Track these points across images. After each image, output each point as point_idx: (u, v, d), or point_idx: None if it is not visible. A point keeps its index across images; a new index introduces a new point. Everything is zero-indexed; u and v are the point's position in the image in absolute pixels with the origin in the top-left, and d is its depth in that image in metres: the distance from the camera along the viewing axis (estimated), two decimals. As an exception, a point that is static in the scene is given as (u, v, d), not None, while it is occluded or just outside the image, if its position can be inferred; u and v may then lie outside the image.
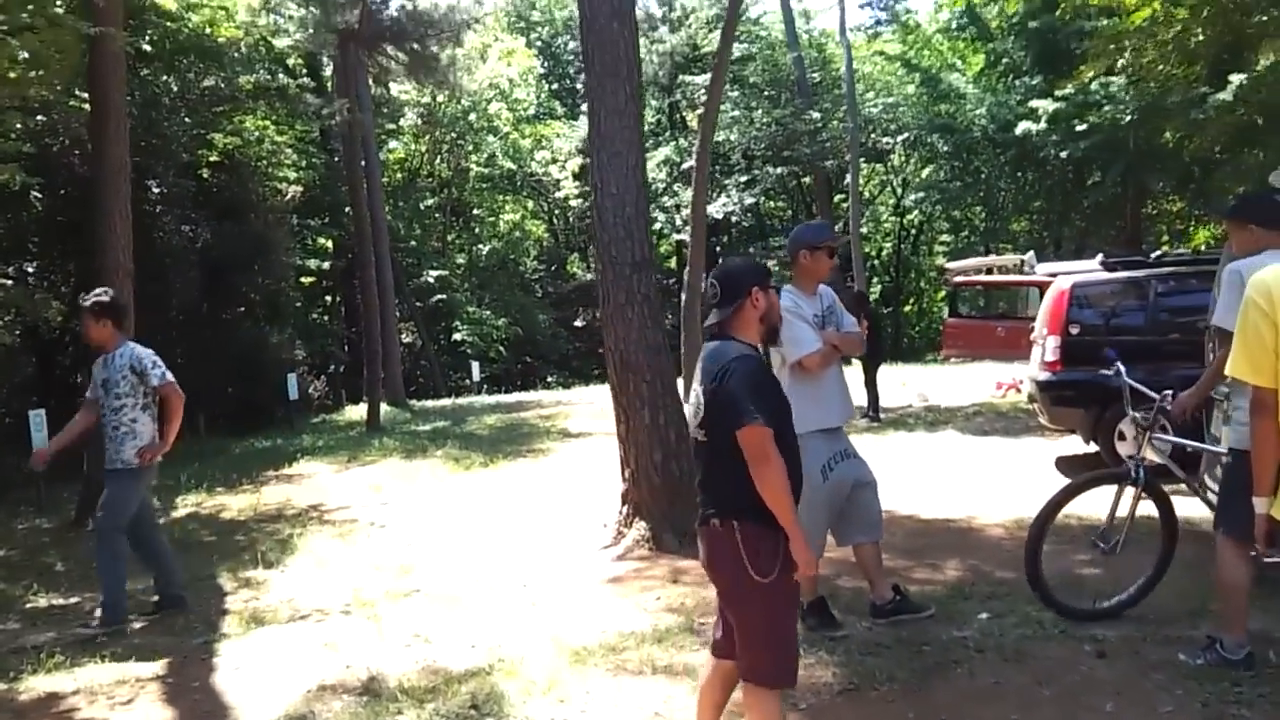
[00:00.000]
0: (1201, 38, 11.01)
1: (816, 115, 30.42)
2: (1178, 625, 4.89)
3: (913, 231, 38.58)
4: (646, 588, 6.12)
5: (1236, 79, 18.22)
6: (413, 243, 28.54)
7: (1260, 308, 2.87)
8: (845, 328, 5.19)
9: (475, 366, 23.91)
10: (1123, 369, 5.24)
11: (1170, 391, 4.86)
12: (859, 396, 14.23)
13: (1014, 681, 4.38)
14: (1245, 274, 4.08)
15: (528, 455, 12.11)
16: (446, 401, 21.56)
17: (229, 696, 4.92)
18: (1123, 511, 5.06)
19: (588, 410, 17.02)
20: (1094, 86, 23.01)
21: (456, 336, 28.29)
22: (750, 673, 3.37)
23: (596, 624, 5.46)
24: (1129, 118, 20.52)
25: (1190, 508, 5.53)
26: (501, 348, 29.08)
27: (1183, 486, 5.29)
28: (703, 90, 28.22)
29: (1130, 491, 4.98)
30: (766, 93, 31.63)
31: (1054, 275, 15.59)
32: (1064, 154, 25.09)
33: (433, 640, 5.43)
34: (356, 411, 19.72)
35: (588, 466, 11.02)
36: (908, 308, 39.51)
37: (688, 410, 3.48)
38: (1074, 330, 8.93)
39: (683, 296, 15.77)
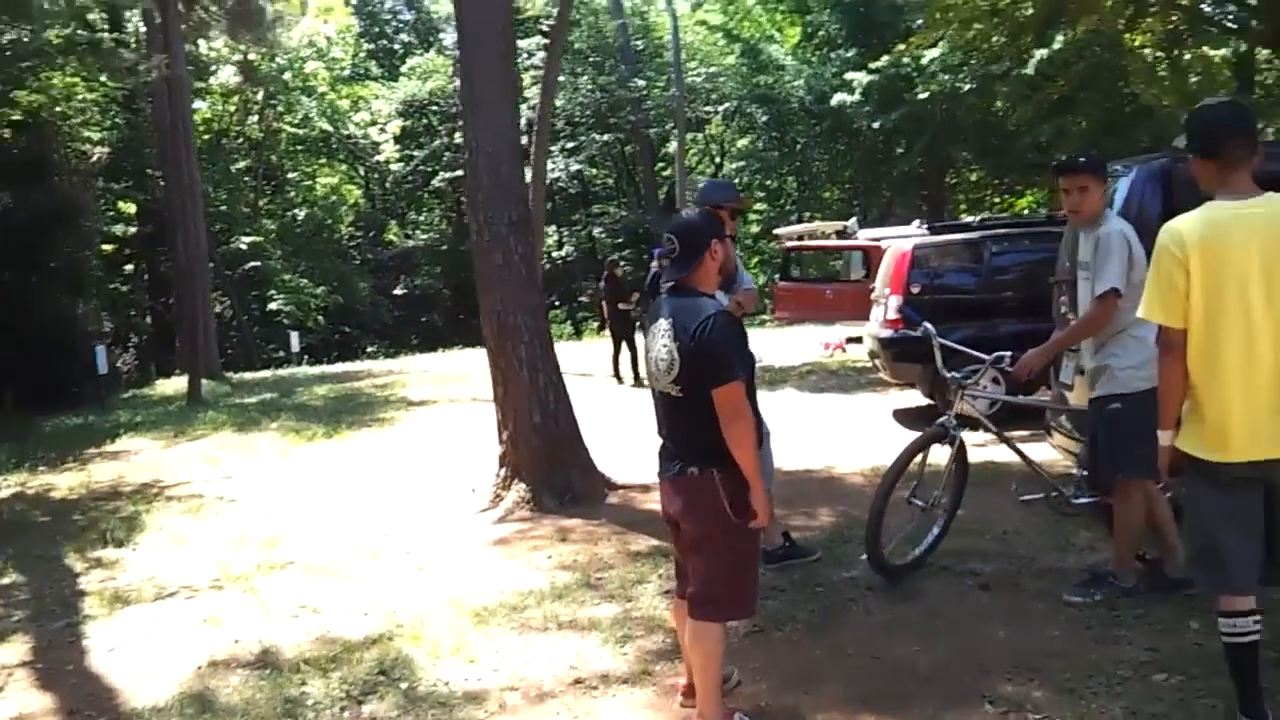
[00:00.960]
0: (1031, 11, 11.67)
1: (641, 83, 30.61)
2: (1046, 558, 5.28)
3: (730, 200, 39.36)
4: (536, 547, 6.12)
5: (1039, 53, 19.51)
6: (222, 207, 27.11)
7: (1174, 254, 3.10)
8: (744, 285, 5.30)
9: (294, 337, 23.03)
10: (931, 329, 5.37)
11: (1006, 353, 5.03)
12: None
13: (909, 616, 4.63)
14: (1129, 234, 4.42)
15: (372, 425, 11.81)
16: (265, 373, 20.70)
17: (111, 678, 4.65)
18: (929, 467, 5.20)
19: (424, 378, 16.73)
20: (905, 60, 24.13)
21: (272, 306, 27.14)
22: (707, 608, 3.47)
23: (491, 585, 5.43)
24: (968, 86, 21.50)
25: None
26: (320, 317, 28.10)
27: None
28: (527, 54, 28.00)
29: (945, 448, 5.11)
30: (591, 59, 31.58)
31: (876, 240, 16.44)
32: (876, 125, 26.21)
33: (322, 610, 5.28)
34: (170, 385, 18.78)
35: (439, 433, 10.88)
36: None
37: (653, 365, 3.47)
38: (915, 289, 9.40)
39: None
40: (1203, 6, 12.33)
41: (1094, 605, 4.46)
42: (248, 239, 26.69)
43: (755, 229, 40.18)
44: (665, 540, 5.95)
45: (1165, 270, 3.12)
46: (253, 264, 27.00)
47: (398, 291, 33.49)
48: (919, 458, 5.08)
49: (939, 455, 5.20)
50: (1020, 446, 5.25)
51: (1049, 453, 6.23)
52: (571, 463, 7.06)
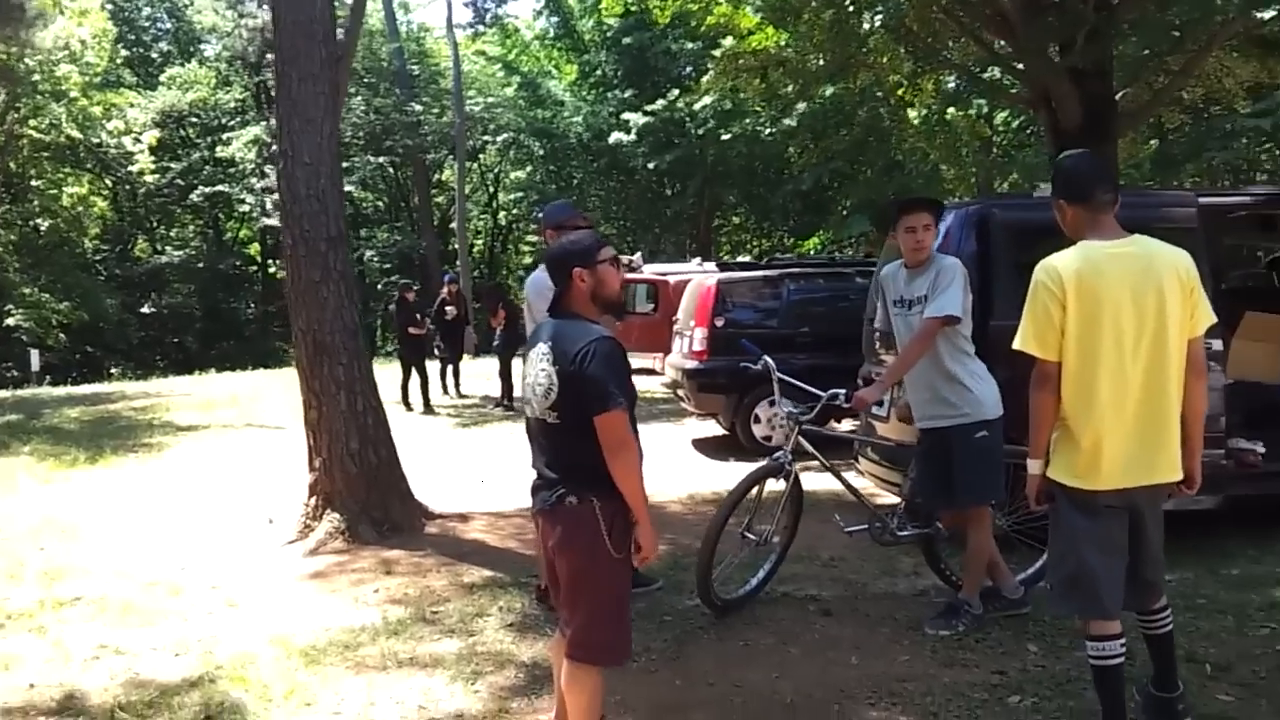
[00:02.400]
0: (822, 61, 12.25)
1: (418, 108, 30.11)
2: (877, 584, 5.49)
3: (504, 230, 39.32)
4: (359, 580, 5.78)
5: (801, 107, 20.61)
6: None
7: (1051, 290, 3.29)
8: None
9: (34, 355, 21.03)
10: (771, 363, 5.41)
11: (840, 391, 5.13)
12: (494, 387, 14.42)
13: (761, 643, 4.68)
14: (957, 267, 4.67)
15: (139, 451, 10.89)
16: (3, 394, 18.77)
17: (-121, 737, 4.02)
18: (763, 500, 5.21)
19: (187, 402, 15.65)
20: (679, 105, 24.98)
21: (10, 321, 24.65)
22: (589, 651, 3.29)
23: (316, 622, 5.08)
24: (732, 134, 22.40)
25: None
26: (61, 335, 25.77)
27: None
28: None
29: (773, 483, 5.15)
30: (366, 79, 30.78)
31: (663, 275, 16.84)
32: (651, 165, 26.90)
33: (125, 650, 4.77)
34: (-115, 405, 16.68)
35: (217, 461, 10.18)
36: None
37: (529, 391, 3.32)
38: (719, 323, 9.65)
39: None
40: (973, 68, 13.32)
41: (958, 636, 4.63)
42: (-17, 250, 24.15)
43: (529, 260, 40.34)
44: (499, 571, 5.84)
45: (1042, 305, 3.30)
46: (-11, 276, 24.43)
47: (145, 310, 31.26)
48: (753, 491, 5.12)
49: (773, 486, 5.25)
50: (845, 477, 5.44)
51: (865, 482, 6.48)
52: (390, 491, 6.74)
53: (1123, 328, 3.21)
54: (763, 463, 5.15)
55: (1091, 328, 3.24)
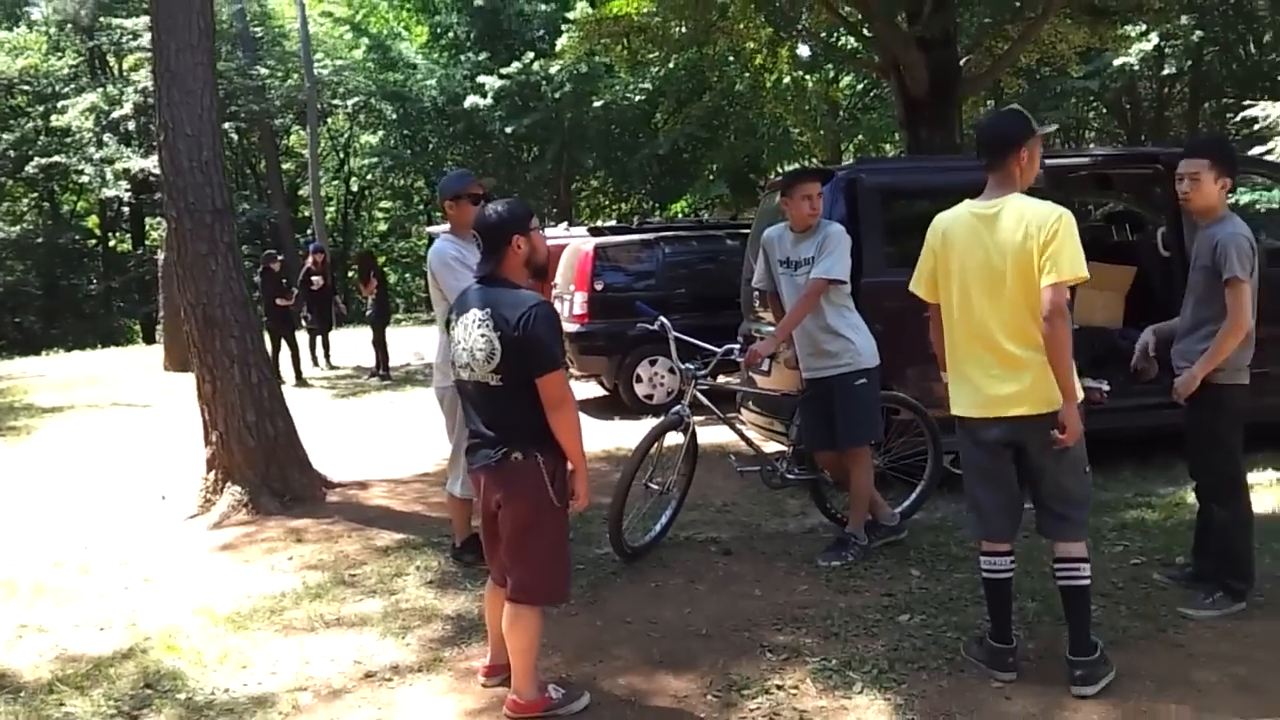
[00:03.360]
0: (684, 29, 12.55)
1: (264, 71, 29.13)
2: (769, 524, 5.92)
3: (357, 197, 38.50)
4: (271, 549, 5.87)
5: (658, 71, 20.98)
6: None
7: (929, 241, 3.80)
8: None
9: None
10: (668, 323, 5.72)
11: (734, 346, 5.64)
12: (368, 357, 14.35)
13: (670, 584, 5.02)
14: (843, 234, 5.09)
15: (6, 434, 10.51)
16: None
17: None
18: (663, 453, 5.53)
19: (44, 383, 15.08)
20: (535, 68, 25.00)
21: None
22: (528, 593, 3.58)
23: (236, 591, 5.18)
24: (599, 103, 22.59)
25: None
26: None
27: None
28: (130, 34, 25.78)
29: (676, 436, 5.50)
30: (207, 42, 29.50)
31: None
32: (508, 130, 26.79)
33: (48, 628, 4.78)
34: None
35: (90, 441, 9.95)
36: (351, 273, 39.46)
37: (464, 356, 3.52)
38: (599, 286, 9.92)
39: (159, 256, 14.52)
40: (826, 36, 13.87)
41: (848, 565, 5.07)
42: None
43: (383, 227, 39.66)
44: (409, 533, 6.02)
45: (924, 254, 3.82)
46: None
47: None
48: (655, 445, 5.44)
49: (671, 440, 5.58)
50: (739, 428, 5.83)
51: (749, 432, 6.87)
52: (289, 462, 6.80)
53: (966, 277, 3.64)
54: (663, 419, 5.48)
55: (949, 276, 3.70)
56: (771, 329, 5.80)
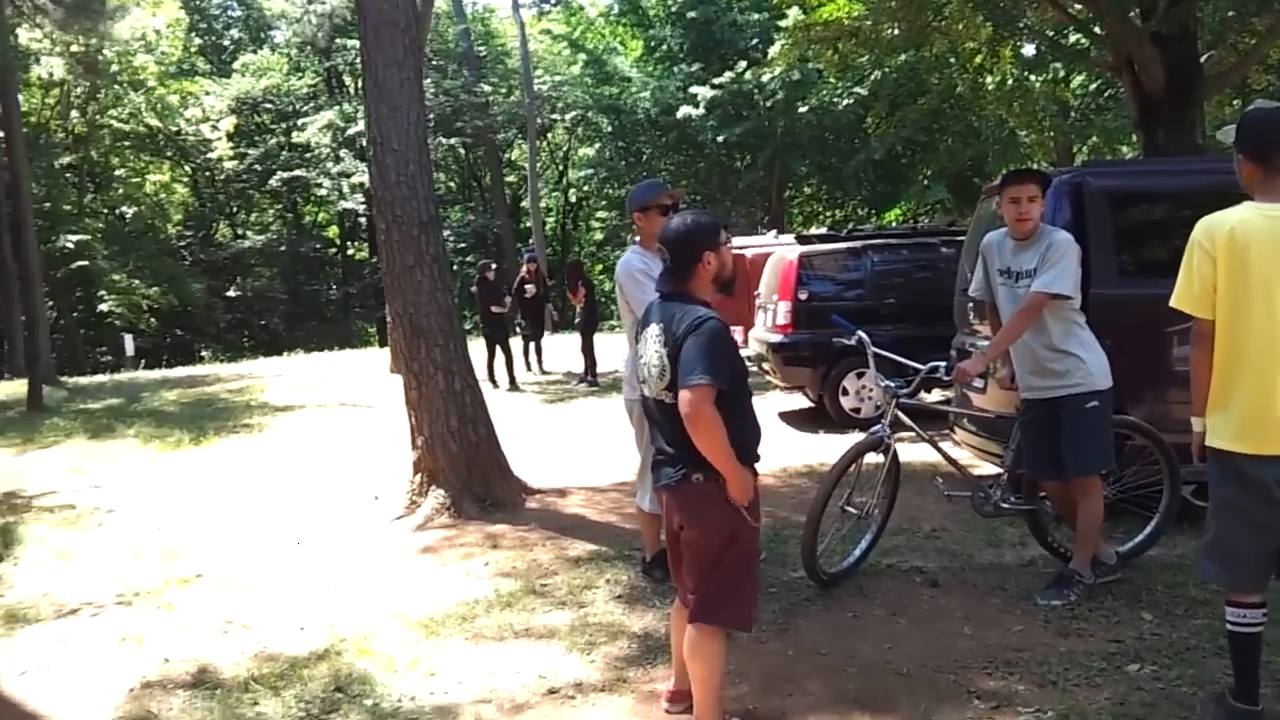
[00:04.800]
0: (896, 31, 12.13)
1: (487, 89, 30.28)
2: (983, 555, 5.49)
3: (574, 207, 39.47)
4: (468, 554, 5.94)
5: (874, 75, 20.39)
6: (46, 205, 25.21)
7: (1203, 247, 3.26)
8: None
9: (128, 340, 21.71)
10: (866, 338, 5.37)
11: (940, 363, 5.16)
12: (578, 363, 14.57)
13: (870, 615, 4.71)
14: (1070, 243, 4.64)
15: (240, 431, 11.24)
16: (101, 378, 19.43)
17: (32, 703, 4.25)
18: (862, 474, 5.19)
19: (281, 383, 16.08)
20: (747, 77, 24.85)
21: (103, 308, 25.45)
22: (714, 615, 3.40)
23: (431, 595, 5.24)
24: (805, 109, 22.25)
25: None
26: (153, 319, 26.54)
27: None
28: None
29: (876, 456, 5.11)
30: (434, 63, 31.05)
31: (740, 249, 16.74)
32: (720, 139, 26.76)
33: (252, 626, 4.97)
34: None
35: (315, 439, 10.47)
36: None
37: (644, 371, 3.39)
38: (803, 296, 9.64)
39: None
40: (1051, 34, 13.07)
41: (1070, 606, 4.63)
42: (74, 237, 24.90)
43: (599, 237, 40.47)
44: (602, 544, 5.95)
45: (1196, 263, 3.26)
46: (79, 263, 25.22)
47: (231, 294, 32.05)
48: (854, 466, 5.11)
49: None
50: (949, 452, 5.45)
51: (961, 453, 6.46)
52: (490, 468, 6.89)
53: (1270, 290, 3.15)
54: (862, 437, 5.17)
55: (1241, 288, 3.19)
56: (987, 343, 5.39)
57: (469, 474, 6.74)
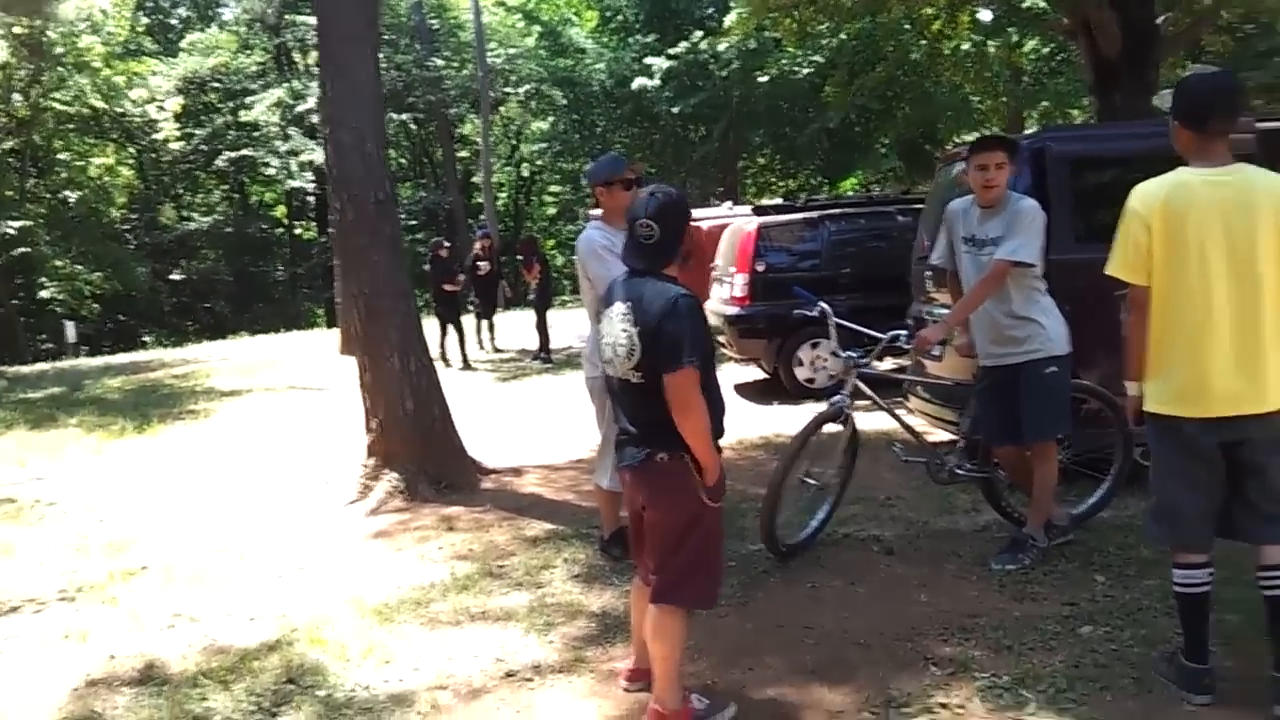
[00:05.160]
0: (852, -1, 12.07)
1: (439, 63, 29.87)
2: (938, 522, 5.50)
3: (527, 182, 39.15)
4: (423, 538, 5.86)
5: (830, 43, 20.28)
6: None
7: (1139, 214, 3.26)
8: None
9: (69, 327, 21.26)
10: (828, 308, 5.37)
11: (900, 331, 5.15)
12: (532, 340, 14.47)
13: (828, 585, 4.71)
14: (1036, 211, 4.61)
15: (185, 418, 11.02)
16: (42, 366, 19.03)
17: (-29, 704, 4.12)
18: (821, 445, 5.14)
19: (227, 367, 15.83)
20: (702, 47, 24.71)
21: (44, 294, 24.89)
22: (678, 595, 3.36)
23: (386, 580, 5.16)
24: (764, 78, 22.16)
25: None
26: (95, 305, 26.00)
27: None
28: (313, 31, 26.79)
29: (835, 427, 5.09)
30: (387, 37, 30.54)
31: (695, 221, 16.63)
32: (675, 110, 26.61)
33: (200, 618, 4.85)
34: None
35: (263, 424, 10.30)
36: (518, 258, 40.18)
37: (608, 350, 3.32)
38: (760, 268, 9.59)
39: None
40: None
41: (1025, 570, 4.65)
42: (16, 223, 24.25)
43: (552, 211, 40.20)
44: (559, 524, 5.89)
45: (1132, 230, 3.27)
46: (20, 250, 24.58)
47: (175, 277, 31.50)
48: (814, 437, 5.08)
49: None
50: (906, 419, 5.44)
51: (916, 420, 6.45)
52: (445, 449, 6.80)
53: (1208, 256, 3.15)
54: (823, 408, 5.14)
55: (1177, 255, 3.19)
56: (944, 311, 5.37)
57: (423, 456, 6.64)
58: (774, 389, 9.80)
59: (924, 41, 17.51)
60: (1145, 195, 3.25)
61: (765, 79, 23.00)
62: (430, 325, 14.64)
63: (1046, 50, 23.06)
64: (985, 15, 15.81)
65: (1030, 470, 4.85)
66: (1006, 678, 3.63)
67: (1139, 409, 3.41)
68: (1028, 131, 10.20)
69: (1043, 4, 12.75)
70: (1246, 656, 3.57)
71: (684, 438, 3.18)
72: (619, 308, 3.28)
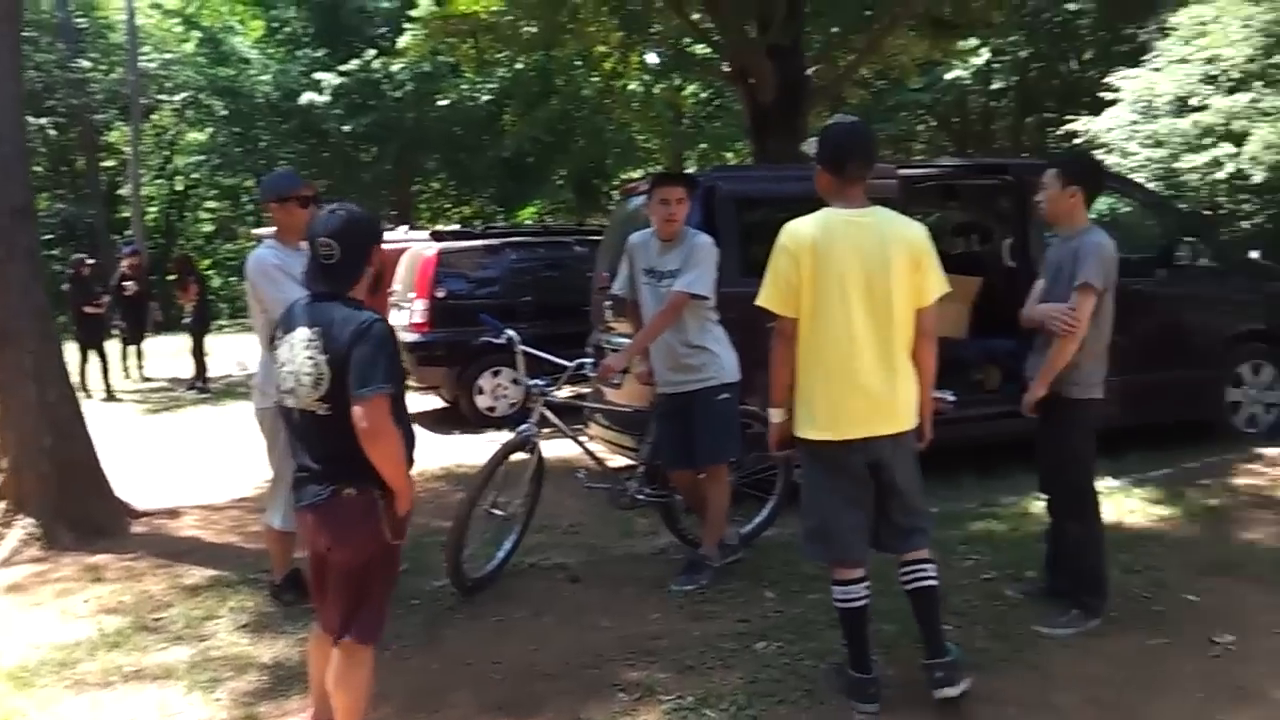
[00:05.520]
0: (536, 30, 12.21)
1: (86, 64, 27.34)
2: (618, 546, 5.64)
3: (181, 197, 36.56)
4: (65, 591, 5.24)
5: (504, 72, 20.52)
6: None
7: (789, 250, 3.48)
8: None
9: None
10: (515, 336, 5.39)
11: (586, 360, 5.33)
12: (185, 368, 13.44)
13: (515, 616, 4.68)
14: (710, 247, 4.85)
15: None
16: None
17: None
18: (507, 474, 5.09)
19: None
20: (375, 65, 24.25)
21: None
22: (364, 633, 3.21)
23: (20, 640, 4.59)
24: (442, 102, 21.92)
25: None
26: None
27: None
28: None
29: (521, 456, 5.09)
30: (27, 34, 27.45)
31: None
32: (346, 128, 25.85)
33: None
34: None
35: None
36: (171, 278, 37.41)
37: (288, 380, 3.09)
38: (440, 294, 9.49)
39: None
40: (677, 42, 13.77)
41: (702, 590, 4.82)
42: None
43: (209, 229, 37.74)
44: (222, 569, 5.49)
45: (781, 265, 3.49)
46: None
47: None
48: (501, 467, 5.04)
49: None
50: (585, 443, 5.55)
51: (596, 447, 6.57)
52: (89, 490, 6.14)
53: (848, 290, 3.42)
54: (506, 436, 5.13)
55: (823, 288, 3.44)
56: (624, 340, 5.52)
57: (63, 499, 5.96)
58: (454, 418, 9.69)
59: (596, 79, 18.13)
60: (794, 233, 3.49)
61: (444, 103, 22.83)
62: (70, 351, 13.35)
63: (705, 95, 24.57)
64: (653, 58, 16.60)
65: (704, 493, 5.08)
66: (690, 698, 3.73)
67: (782, 435, 3.67)
68: (693, 170, 10.86)
69: (707, 51, 13.55)
70: (905, 663, 3.88)
71: (377, 469, 3.02)
72: (302, 334, 3.07)
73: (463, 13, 12.91)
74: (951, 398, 6.47)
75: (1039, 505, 4.92)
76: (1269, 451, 6.99)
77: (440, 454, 8.10)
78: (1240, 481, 6.45)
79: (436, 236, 10.85)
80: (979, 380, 7.22)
